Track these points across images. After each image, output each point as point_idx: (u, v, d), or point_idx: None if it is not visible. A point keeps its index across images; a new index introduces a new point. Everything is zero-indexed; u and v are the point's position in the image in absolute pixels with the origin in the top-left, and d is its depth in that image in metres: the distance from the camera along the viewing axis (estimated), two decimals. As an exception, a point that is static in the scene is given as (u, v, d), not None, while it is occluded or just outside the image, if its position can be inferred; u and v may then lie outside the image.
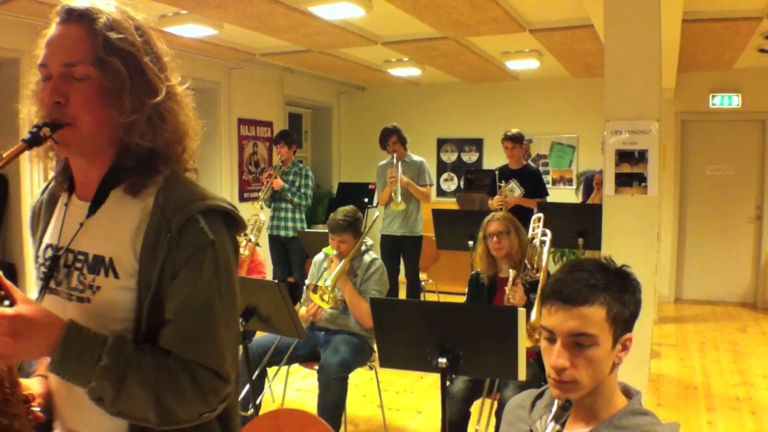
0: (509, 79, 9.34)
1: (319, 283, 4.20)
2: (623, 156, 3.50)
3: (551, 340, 1.57)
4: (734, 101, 8.68)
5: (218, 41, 6.87)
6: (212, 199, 1.41)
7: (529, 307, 3.44)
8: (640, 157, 3.48)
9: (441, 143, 10.34)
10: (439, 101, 10.18)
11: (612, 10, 3.65)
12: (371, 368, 4.50)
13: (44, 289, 1.44)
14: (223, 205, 1.43)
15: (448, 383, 3.36)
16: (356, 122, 10.47)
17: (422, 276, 7.62)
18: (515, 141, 6.75)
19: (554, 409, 1.56)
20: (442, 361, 2.86)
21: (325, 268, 4.53)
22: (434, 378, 5.69)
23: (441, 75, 9.15)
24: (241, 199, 8.42)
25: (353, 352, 4.18)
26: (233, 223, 1.46)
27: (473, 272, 4.20)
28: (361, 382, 5.53)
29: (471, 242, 5.48)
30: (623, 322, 1.58)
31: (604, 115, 3.70)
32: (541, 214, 4.56)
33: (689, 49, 7.08)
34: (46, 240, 1.50)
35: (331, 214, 4.45)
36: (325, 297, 4.14)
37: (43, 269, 1.47)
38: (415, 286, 7.05)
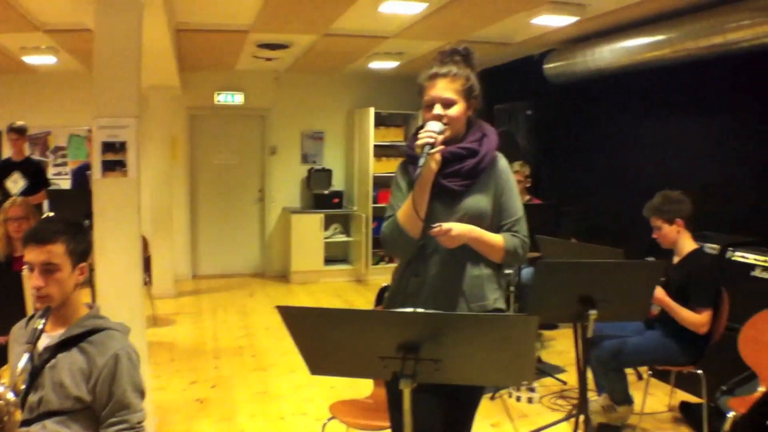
0: (28, 72, 9.31)
1: None
2: (108, 146, 4.11)
3: (30, 269, 2.25)
4: (237, 99, 9.91)
5: None
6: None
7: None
8: (121, 147, 4.12)
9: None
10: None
11: (100, 21, 4.16)
12: None
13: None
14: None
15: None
16: None
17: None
18: (19, 133, 6.89)
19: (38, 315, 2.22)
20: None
21: None
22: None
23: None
24: None
25: None
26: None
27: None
28: None
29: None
30: (78, 255, 2.32)
31: (93, 112, 4.23)
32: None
33: (191, 53, 8.00)
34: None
35: None
36: None
37: None
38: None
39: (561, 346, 6.47)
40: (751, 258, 4.70)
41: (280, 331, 7.01)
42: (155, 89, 8.46)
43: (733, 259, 4.83)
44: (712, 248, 4.99)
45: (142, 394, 2.31)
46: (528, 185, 6.55)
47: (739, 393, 4.05)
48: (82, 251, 2.34)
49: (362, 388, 5.04)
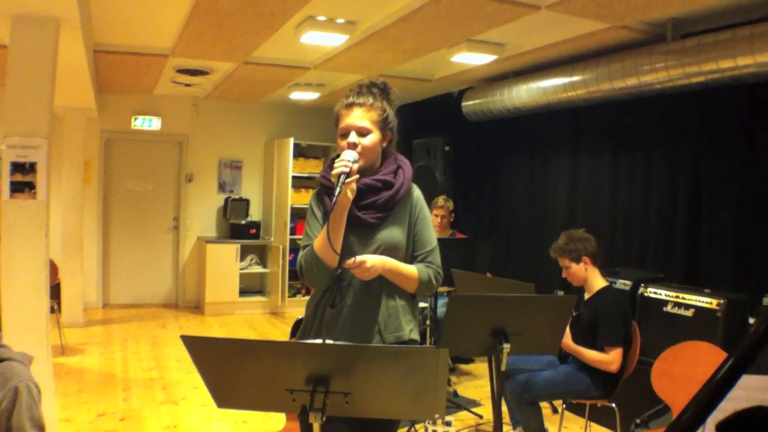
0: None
1: None
2: (17, 166, 3.98)
3: None
4: (155, 124, 9.70)
5: None
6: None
7: None
8: (31, 167, 4.00)
9: None
10: None
11: (15, 36, 4.09)
12: None
13: None
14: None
15: None
16: None
17: None
18: None
19: None
20: None
21: None
22: None
23: None
24: None
25: None
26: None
27: None
28: None
29: None
30: None
31: (2, 130, 4.11)
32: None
33: (109, 75, 7.83)
34: None
35: None
36: None
37: None
38: None
39: (477, 380, 6.52)
40: (663, 294, 4.86)
41: (191, 363, 6.82)
42: (70, 110, 8.22)
43: (645, 294, 4.98)
44: (624, 284, 5.14)
45: (41, 429, 2.21)
46: (452, 220, 6.63)
47: (653, 426, 4.16)
48: None
49: (275, 422, 4.97)
